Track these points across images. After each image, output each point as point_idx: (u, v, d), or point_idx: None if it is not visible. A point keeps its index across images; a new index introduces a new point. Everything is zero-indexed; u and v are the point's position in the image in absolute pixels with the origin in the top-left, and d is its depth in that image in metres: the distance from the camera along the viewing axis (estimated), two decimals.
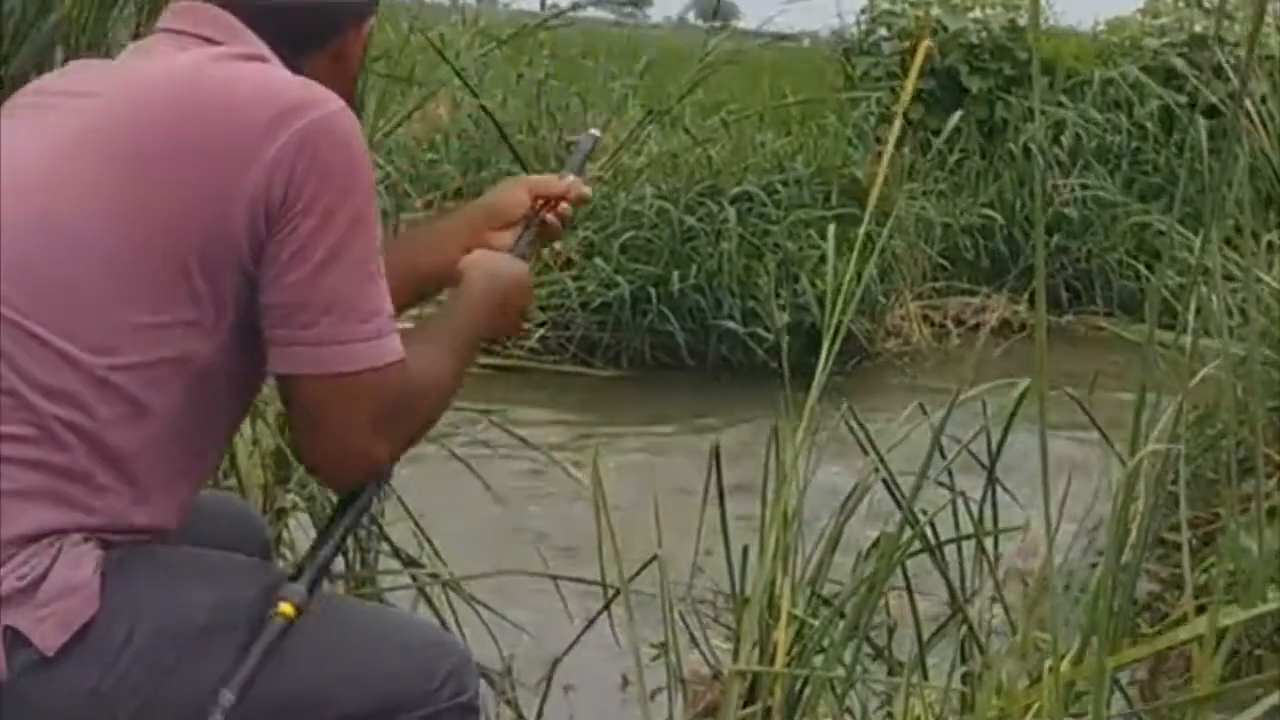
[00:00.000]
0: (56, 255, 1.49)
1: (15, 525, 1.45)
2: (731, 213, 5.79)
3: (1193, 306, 3.44)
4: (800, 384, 6.23)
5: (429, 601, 2.65)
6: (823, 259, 5.86)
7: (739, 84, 7.25)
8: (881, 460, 2.46)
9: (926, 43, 2.36)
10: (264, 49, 1.62)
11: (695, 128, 6.43)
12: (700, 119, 6.72)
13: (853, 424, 2.45)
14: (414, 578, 2.66)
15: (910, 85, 2.34)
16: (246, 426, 2.67)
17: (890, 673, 2.47)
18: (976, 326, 6.76)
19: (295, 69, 1.62)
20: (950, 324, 6.69)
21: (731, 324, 5.70)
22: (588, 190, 2.01)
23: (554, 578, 2.66)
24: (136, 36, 2.65)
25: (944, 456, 2.59)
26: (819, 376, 2.34)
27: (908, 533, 2.27)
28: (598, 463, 2.26)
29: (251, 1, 1.63)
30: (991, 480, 2.65)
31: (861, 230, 2.55)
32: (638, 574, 2.29)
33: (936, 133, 7.26)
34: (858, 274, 2.57)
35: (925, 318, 6.66)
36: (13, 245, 1.49)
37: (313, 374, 1.53)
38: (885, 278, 6.18)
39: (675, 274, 5.68)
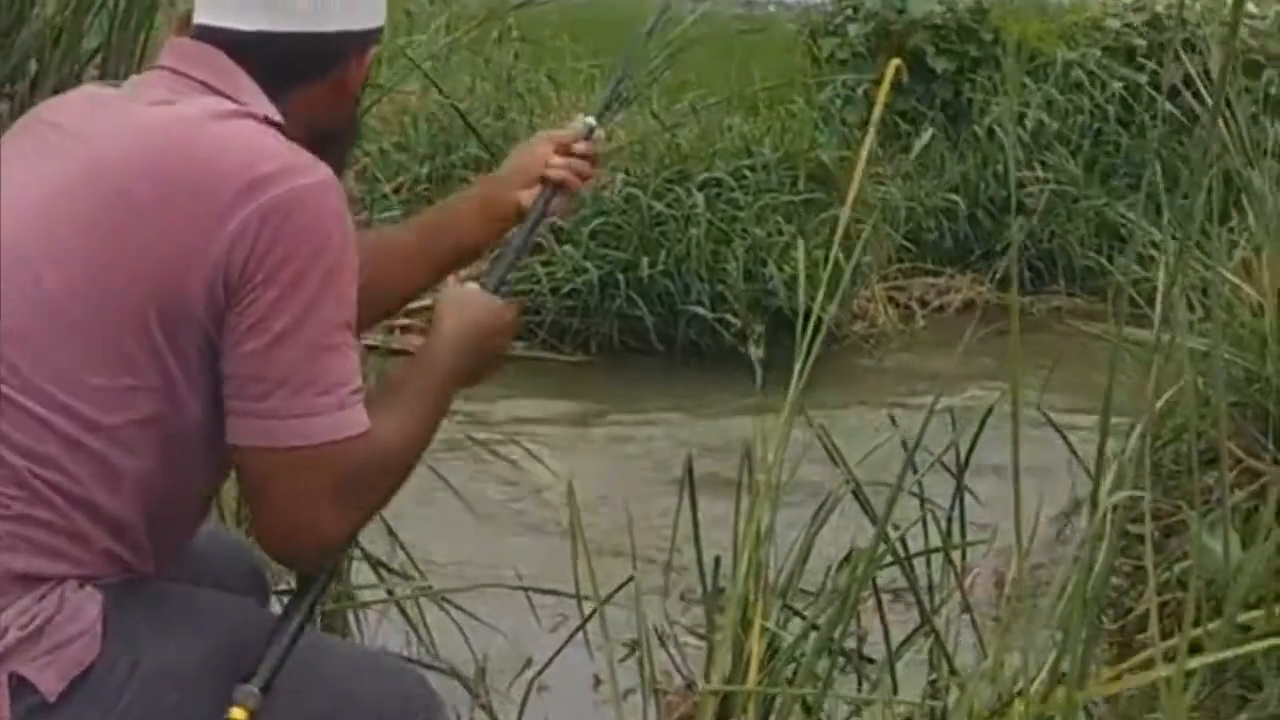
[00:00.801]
0: (34, 321, 1.51)
1: (9, 565, 1.48)
2: (700, 198, 5.82)
3: (1158, 308, 3.51)
4: (767, 365, 6.23)
5: (402, 611, 2.70)
6: (790, 244, 5.92)
7: (705, 61, 7.27)
8: (851, 474, 2.51)
9: (895, 61, 2.39)
10: (259, 96, 1.63)
11: (662, 110, 6.45)
12: (666, 99, 6.74)
13: (823, 438, 2.49)
14: (390, 591, 2.70)
15: (880, 103, 2.37)
16: None
17: (860, 681, 2.53)
18: (941, 308, 6.82)
19: (291, 103, 1.64)
20: (915, 305, 6.74)
21: (700, 309, 5.74)
22: (600, 143, 1.99)
23: (528, 590, 2.70)
24: (107, 49, 2.66)
25: (915, 470, 2.65)
26: (794, 389, 2.36)
27: (880, 546, 2.32)
28: (572, 486, 2.30)
29: (249, 38, 1.63)
30: (960, 490, 2.71)
31: (841, 222, 2.55)
32: (612, 595, 2.34)
33: (902, 114, 7.31)
34: (829, 259, 2.61)
35: (890, 299, 6.71)
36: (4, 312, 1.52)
37: (261, 446, 1.51)
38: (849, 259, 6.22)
39: (644, 260, 5.71)
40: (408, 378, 1.68)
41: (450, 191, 6.18)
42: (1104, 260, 6.77)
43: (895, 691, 2.39)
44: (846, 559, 2.43)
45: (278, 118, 1.62)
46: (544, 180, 1.96)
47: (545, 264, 5.78)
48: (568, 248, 5.79)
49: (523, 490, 3.73)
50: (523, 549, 3.50)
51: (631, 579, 2.28)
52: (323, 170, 1.57)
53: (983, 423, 2.58)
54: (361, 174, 5.97)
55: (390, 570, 2.84)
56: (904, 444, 2.70)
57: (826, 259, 6.39)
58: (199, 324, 1.51)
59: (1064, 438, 3.21)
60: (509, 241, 1.98)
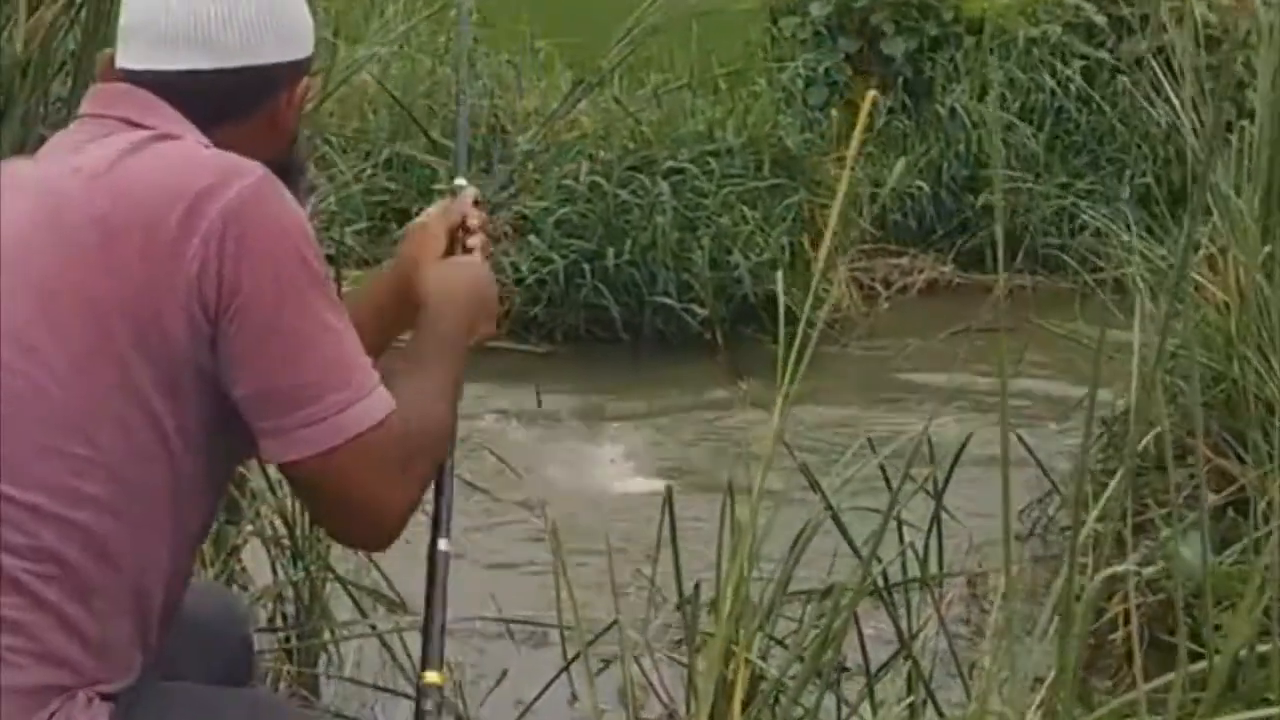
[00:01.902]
0: (16, 407, 1.48)
1: (16, 682, 1.47)
2: (665, 187, 5.81)
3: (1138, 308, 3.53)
4: (730, 354, 6.23)
5: (383, 643, 2.70)
6: (755, 231, 5.92)
7: (665, 42, 7.24)
8: (830, 504, 2.52)
9: (872, 93, 2.39)
10: (186, 125, 1.60)
11: (624, 94, 6.43)
12: (628, 79, 6.72)
13: (806, 473, 2.50)
14: (373, 626, 2.70)
15: (857, 139, 2.37)
16: None
17: (840, 706, 2.54)
18: (904, 289, 6.85)
19: (223, 138, 1.61)
20: (880, 286, 6.76)
21: (667, 299, 5.74)
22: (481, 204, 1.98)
23: (509, 621, 2.71)
24: (74, 80, 2.63)
25: (890, 486, 2.66)
26: (777, 415, 2.35)
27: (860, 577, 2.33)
28: (551, 518, 2.30)
29: (174, 78, 1.61)
30: (938, 513, 2.73)
31: (834, 214, 2.53)
32: (596, 639, 2.34)
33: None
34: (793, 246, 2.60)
35: (854, 280, 6.72)
36: None
37: (307, 456, 1.52)
38: (816, 245, 6.23)
39: (610, 249, 5.70)
40: (419, 348, 1.72)
41: (410, 179, 6.18)
42: (1065, 239, 6.83)
43: (874, 712, 2.42)
44: (826, 593, 2.44)
45: (206, 143, 1.60)
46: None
47: (509, 255, 5.76)
48: (532, 238, 5.77)
49: (495, 494, 3.72)
50: (501, 564, 3.50)
51: (616, 622, 2.28)
52: (255, 166, 1.55)
53: (961, 449, 2.59)
54: (321, 162, 5.93)
55: (372, 594, 2.84)
56: (882, 469, 2.72)
57: (791, 246, 6.41)
58: (188, 361, 1.50)
59: (1030, 451, 3.22)
60: None
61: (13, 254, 1.52)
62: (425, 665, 1.64)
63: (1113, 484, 2.41)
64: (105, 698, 1.51)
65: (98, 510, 1.49)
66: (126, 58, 1.64)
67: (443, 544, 1.72)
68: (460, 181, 2.04)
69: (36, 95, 2.57)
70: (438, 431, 1.65)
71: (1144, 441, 3.76)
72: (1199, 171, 5.78)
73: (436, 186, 5.68)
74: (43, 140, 2.02)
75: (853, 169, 2.34)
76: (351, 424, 1.52)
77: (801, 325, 2.37)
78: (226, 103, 1.63)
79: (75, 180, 1.54)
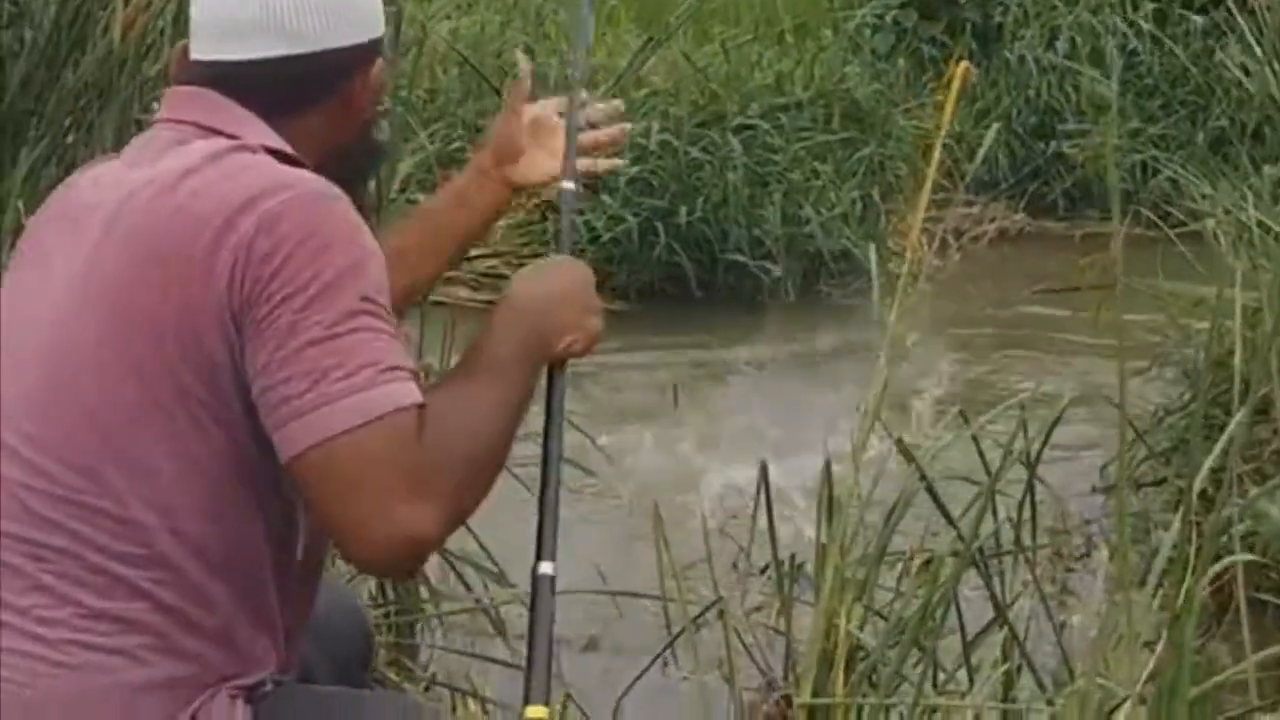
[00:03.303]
0: (81, 430, 1.51)
1: (148, 676, 1.51)
2: (736, 143, 5.81)
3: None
4: (803, 307, 6.26)
5: (487, 614, 2.75)
6: (825, 186, 5.92)
7: None
8: (926, 477, 2.54)
9: (965, 64, 2.39)
10: (257, 125, 1.60)
11: (690, 49, 6.42)
12: (693, 32, 6.70)
13: (901, 448, 2.52)
14: (477, 600, 2.75)
15: (949, 112, 2.38)
16: None
17: (935, 677, 2.57)
18: (976, 238, 6.82)
19: (299, 126, 1.62)
20: (950, 237, 6.73)
21: (739, 256, 5.75)
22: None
23: (615, 594, 2.75)
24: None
25: (984, 462, 2.69)
26: (874, 400, 2.36)
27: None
28: (658, 510, 2.33)
29: (245, 68, 1.61)
30: (1032, 480, 2.74)
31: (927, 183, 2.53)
32: (698, 617, 2.38)
33: (931, 40, 7.26)
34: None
35: (925, 230, 6.69)
36: (47, 425, 1.51)
37: (307, 446, 1.44)
38: (887, 198, 6.22)
39: (682, 207, 5.72)
40: (477, 352, 1.57)
41: (482, 139, 6.17)
42: (1139, 185, 6.77)
43: (971, 682, 2.45)
44: (926, 564, 2.47)
45: (280, 145, 1.60)
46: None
47: (581, 214, 5.79)
48: (605, 197, 5.79)
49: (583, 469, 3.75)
50: (591, 532, 3.54)
51: (720, 599, 2.32)
52: (309, 182, 1.53)
53: (1057, 419, 2.61)
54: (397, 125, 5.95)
55: (477, 567, 2.87)
56: (975, 441, 2.74)
57: (864, 200, 6.40)
58: (238, 376, 1.49)
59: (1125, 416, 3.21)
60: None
61: (87, 270, 1.54)
62: (528, 699, 1.47)
63: (1221, 440, 2.41)
64: (248, 699, 1.55)
65: (195, 516, 1.51)
66: (199, 49, 1.64)
67: (544, 567, 1.54)
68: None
69: (134, 84, 2.60)
70: (476, 454, 1.48)
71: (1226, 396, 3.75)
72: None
73: None
74: (139, 126, 2.05)
75: (940, 132, 2.35)
76: (366, 408, 1.43)
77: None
78: (300, 90, 1.63)
79: (148, 192, 1.55)
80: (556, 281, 1.65)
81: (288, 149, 1.61)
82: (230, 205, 1.50)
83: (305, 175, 1.55)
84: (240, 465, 1.52)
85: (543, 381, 1.62)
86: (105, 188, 1.60)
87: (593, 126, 2.02)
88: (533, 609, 1.53)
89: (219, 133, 1.59)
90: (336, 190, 1.54)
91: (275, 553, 1.58)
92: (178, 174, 1.55)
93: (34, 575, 1.49)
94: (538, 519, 1.57)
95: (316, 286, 1.46)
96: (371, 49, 1.68)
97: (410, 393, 1.45)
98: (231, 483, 1.52)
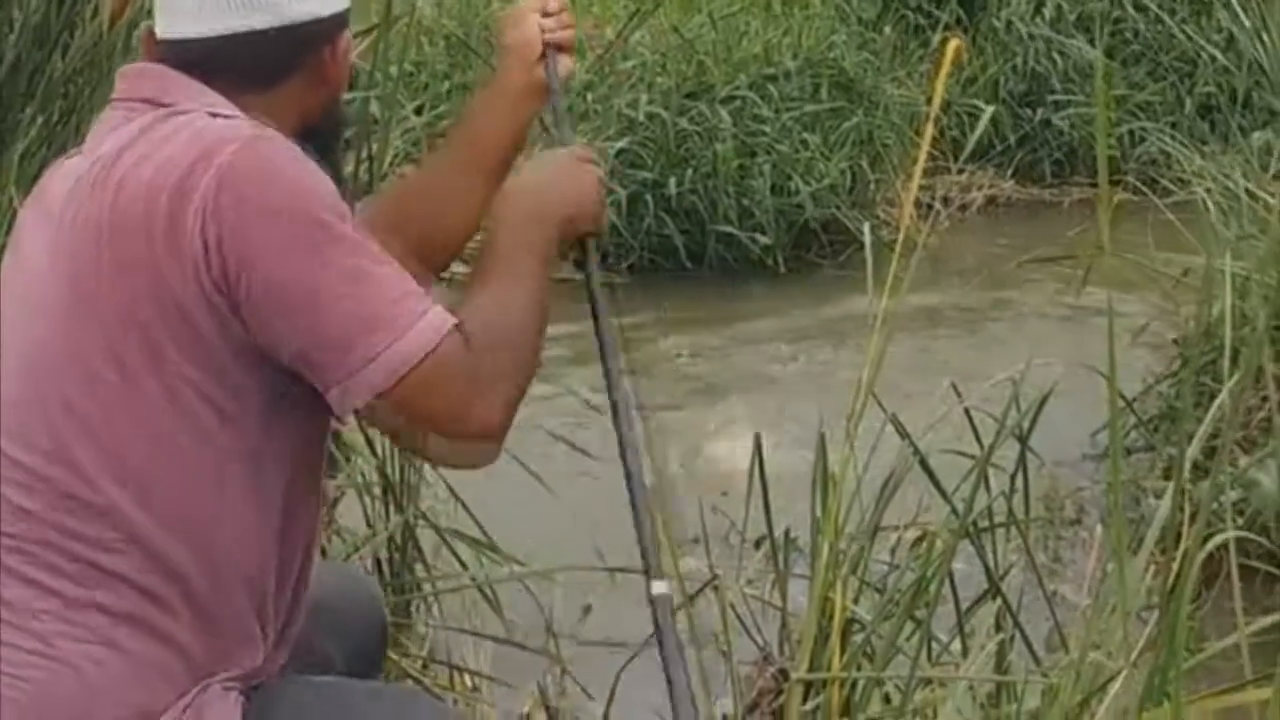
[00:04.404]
0: (57, 420, 1.51)
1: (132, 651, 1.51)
2: (724, 114, 5.81)
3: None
4: (793, 280, 6.26)
5: (483, 593, 2.76)
6: (814, 156, 5.92)
7: None
8: (918, 451, 2.55)
9: (955, 41, 2.40)
10: (212, 97, 1.59)
11: (679, 20, 6.40)
12: (680, 5, 6.68)
13: (896, 423, 2.53)
14: (473, 577, 2.76)
15: (938, 91, 2.38)
16: None
17: (930, 649, 2.59)
18: (963, 207, 6.82)
19: (270, 99, 1.61)
20: (939, 205, 6.74)
21: (729, 227, 5.76)
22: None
23: (610, 570, 2.77)
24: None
25: (977, 436, 2.70)
26: (867, 373, 2.37)
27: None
28: (656, 484, 2.34)
29: (214, 44, 1.60)
30: (1024, 454, 2.75)
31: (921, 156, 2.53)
32: (696, 595, 2.39)
33: (918, 8, 7.24)
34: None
35: (913, 200, 6.70)
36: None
37: (374, 399, 1.49)
38: (875, 167, 6.23)
39: (671, 179, 5.72)
40: (486, 256, 1.63)
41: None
42: (1126, 150, 6.78)
43: (965, 654, 2.47)
44: (919, 541, 2.49)
45: (232, 112, 1.58)
46: (544, 48, 1.87)
47: None
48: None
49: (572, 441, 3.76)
50: (583, 506, 3.56)
51: (716, 578, 2.34)
52: (246, 128, 1.53)
53: (1048, 393, 2.62)
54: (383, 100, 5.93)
55: (475, 543, 2.89)
56: (967, 414, 2.76)
57: (852, 170, 6.39)
58: (223, 342, 1.50)
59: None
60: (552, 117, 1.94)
61: (52, 261, 1.55)
62: None
63: (1212, 409, 2.42)
64: (242, 692, 1.55)
65: (178, 501, 1.52)
66: (164, 27, 1.63)
67: (657, 586, 1.62)
68: None
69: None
70: (515, 343, 1.56)
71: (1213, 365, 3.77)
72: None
73: None
74: None
75: (931, 110, 2.35)
76: (397, 362, 1.48)
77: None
78: (271, 64, 1.62)
79: (89, 177, 1.55)
80: (543, 167, 1.73)
81: (237, 113, 1.59)
82: (179, 168, 1.49)
83: (240, 124, 1.55)
84: (229, 446, 1.53)
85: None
86: (64, 178, 1.60)
87: None
88: (656, 628, 1.61)
89: (168, 106, 1.58)
90: (271, 130, 1.55)
91: (265, 540, 1.58)
92: (115, 152, 1.54)
93: (18, 569, 1.50)
94: (637, 539, 1.64)
95: (304, 232, 1.47)
96: (339, 21, 1.68)
97: (443, 314, 1.52)
98: (218, 464, 1.52)
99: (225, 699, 1.54)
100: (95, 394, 1.50)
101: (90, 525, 1.50)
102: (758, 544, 3.04)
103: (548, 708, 2.77)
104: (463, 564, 2.88)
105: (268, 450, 1.55)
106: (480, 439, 1.55)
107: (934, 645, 2.58)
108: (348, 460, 2.82)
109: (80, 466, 1.50)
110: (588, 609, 3.20)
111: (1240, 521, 3.14)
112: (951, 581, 2.59)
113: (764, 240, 5.74)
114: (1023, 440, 2.65)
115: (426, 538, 2.94)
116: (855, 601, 2.43)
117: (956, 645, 2.53)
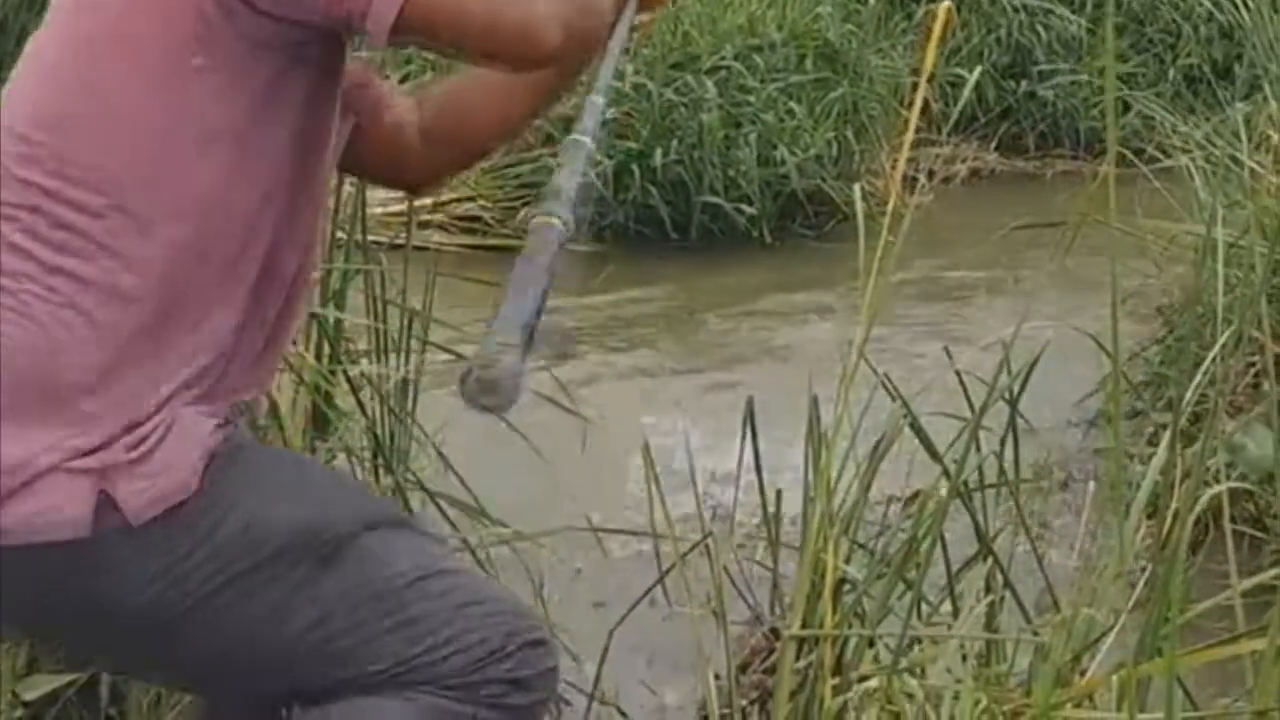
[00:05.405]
0: (48, 85, 1.57)
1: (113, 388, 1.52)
2: (710, 85, 5.81)
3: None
4: (779, 249, 6.25)
5: (475, 558, 2.76)
6: (799, 127, 5.92)
7: None
8: (910, 412, 2.56)
9: (946, 4, 2.40)
10: None
11: None
12: None
13: (888, 385, 2.53)
14: (464, 540, 2.77)
15: (930, 56, 2.38)
16: (289, 389, 2.74)
17: (920, 609, 2.60)
18: (947, 179, 6.84)
19: None
20: (923, 177, 6.74)
21: (714, 198, 5.76)
22: None
23: (603, 531, 2.77)
24: None
25: (968, 398, 2.71)
26: (860, 336, 2.39)
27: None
28: (648, 447, 2.35)
29: None
30: (1014, 417, 2.76)
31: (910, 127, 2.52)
32: (689, 552, 2.40)
33: None
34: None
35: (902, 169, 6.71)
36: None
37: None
38: (860, 138, 6.23)
39: (657, 150, 5.71)
40: None
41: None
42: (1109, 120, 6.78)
43: (955, 614, 2.48)
44: (913, 498, 2.49)
45: None
46: None
47: (556, 156, 5.77)
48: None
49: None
50: (572, 470, 3.56)
51: (710, 535, 2.34)
52: None
53: (1037, 358, 2.63)
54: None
55: (469, 508, 2.89)
56: (958, 375, 2.77)
57: (838, 140, 6.38)
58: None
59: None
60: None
61: None
62: None
63: (1200, 373, 2.43)
64: (220, 426, 1.56)
65: (169, 171, 1.54)
66: None
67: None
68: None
69: None
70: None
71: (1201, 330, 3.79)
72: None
73: None
74: None
75: (921, 78, 2.36)
76: None
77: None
78: None
79: None
80: None
81: None
82: None
83: None
84: (223, 127, 1.55)
85: None
86: None
87: None
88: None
89: None
90: None
91: (259, 226, 1.59)
92: None
93: (7, 236, 1.54)
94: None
95: None
96: None
97: None
98: (203, 142, 1.54)
99: (195, 419, 1.55)
100: (102, 69, 1.54)
101: (76, 189, 1.53)
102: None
103: None
104: (453, 525, 2.88)
105: (264, 133, 1.57)
106: (533, 34, 1.57)
107: (925, 606, 2.59)
108: (338, 423, 2.82)
109: (75, 129, 1.54)
110: (578, 572, 3.22)
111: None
112: (943, 542, 2.60)
113: (749, 211, 5.75)
114: (1012, 404, 2.65)
115: (416, 501, 2.94)
116: (847, 562, 2.44)
117: (947, 606, 2.54)
